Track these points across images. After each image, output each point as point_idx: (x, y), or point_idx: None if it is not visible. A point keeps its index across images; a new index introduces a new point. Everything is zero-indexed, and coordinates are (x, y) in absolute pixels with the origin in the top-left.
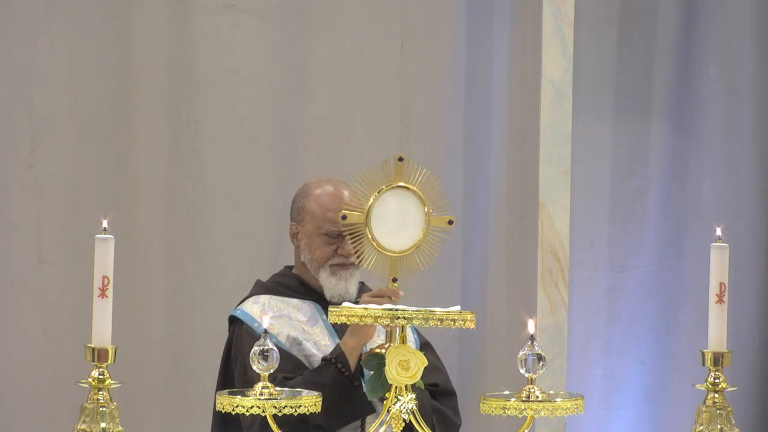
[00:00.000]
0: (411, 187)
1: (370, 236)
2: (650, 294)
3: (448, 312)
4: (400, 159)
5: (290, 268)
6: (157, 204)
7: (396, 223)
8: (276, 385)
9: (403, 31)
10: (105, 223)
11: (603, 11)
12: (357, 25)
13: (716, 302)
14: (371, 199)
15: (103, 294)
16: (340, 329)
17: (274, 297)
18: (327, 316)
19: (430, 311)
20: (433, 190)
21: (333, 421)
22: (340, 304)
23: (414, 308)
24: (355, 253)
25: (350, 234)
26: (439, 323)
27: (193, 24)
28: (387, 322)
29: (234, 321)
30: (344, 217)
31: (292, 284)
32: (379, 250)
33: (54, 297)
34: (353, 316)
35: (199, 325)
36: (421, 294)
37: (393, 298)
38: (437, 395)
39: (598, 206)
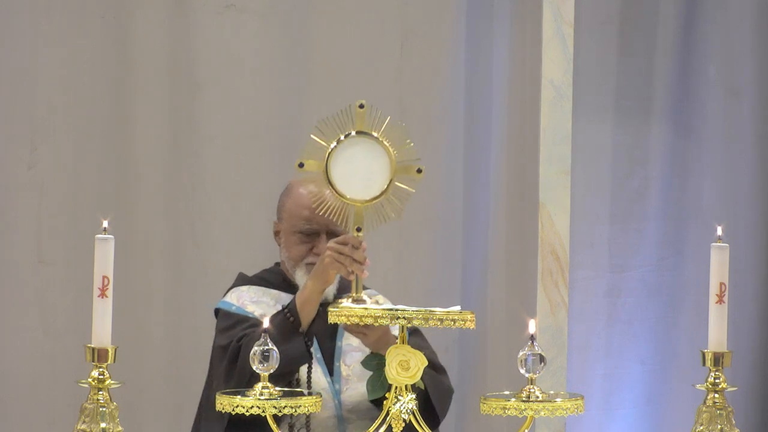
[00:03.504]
0: (375, 134)
1: (330, 185)
2: (650, 294)
3: (448, 312)
4: (361, 106)
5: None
6: (157, 204)
7: (359, 172)
8: (236, 342)
9: (403, 31)
10: (105, 224)
11: (603, 11)
12: (357, 25)
13: (716, 302)
14: (330, 148)
15: (103, 294)
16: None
17: (252, 287)
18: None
19: (430, 311)
20: (401, 138)
21: None
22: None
23: (414, 308)
24: (316, 201)
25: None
26: (439, 323)
27: (193, 24)
28: (387, 322)
29: (216, 313)
30: (301, 165)
31: (275, 280)
32: (341, 199)
33: (54, 297)
34: (353, 316)
35: (199, 325)
36: (421, 294)
37: (357, 247)
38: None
39: (598, 206)
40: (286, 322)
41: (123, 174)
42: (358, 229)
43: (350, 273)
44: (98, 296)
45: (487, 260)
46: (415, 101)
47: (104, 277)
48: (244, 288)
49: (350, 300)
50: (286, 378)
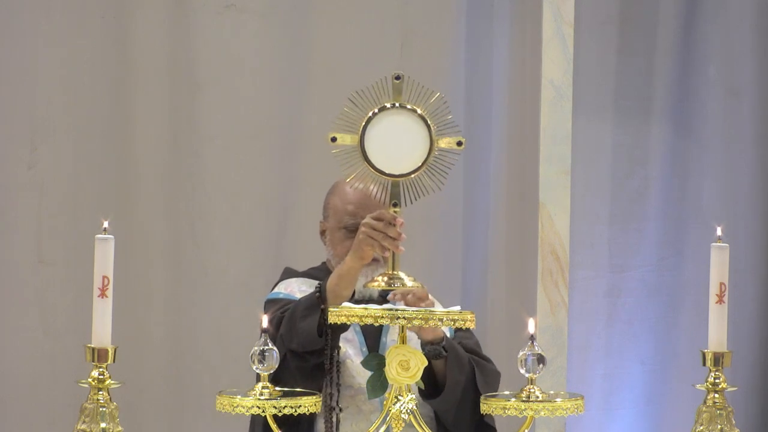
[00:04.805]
0: (411, 106)
1: (364, 159)
2: (650, 294)
3: (448, 312)
4: (398, 78)
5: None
6: (157, 204)
7: (395, 145)
8: (279, 313)
9: (403, 31)
10: (105, 224)
11: (603, 11)
12: (357, 25)
13: (716, 302)
14: (364, 121)
15: (103, 294)
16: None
17: (300, 278)
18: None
19: (430, 311)
20: (439, 110)
21: (289, 336)
22: (366, 301)
23: (414, 308)
24: (348, 178)
25: (343, 158)
26: (439, 323)
27: (193, 24)
28: (387, 323)
29: (266, 303)
30: (334, 139)
31: (322, 276)
32: (376, 173)
33: (54, 297)
34: (353, 316)
35: (199, 325)
36: None
37: (392, 223)
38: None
39: (598, 206)
40: (313, 296)
41: (123, 174)
42: (395, 204)
43: (384, 249)
44: (98, 296)
45: (487, 260)
46: None
47: (104, 277)
48: (293, 279)
49: (385, 278)
50: (314, 356)
